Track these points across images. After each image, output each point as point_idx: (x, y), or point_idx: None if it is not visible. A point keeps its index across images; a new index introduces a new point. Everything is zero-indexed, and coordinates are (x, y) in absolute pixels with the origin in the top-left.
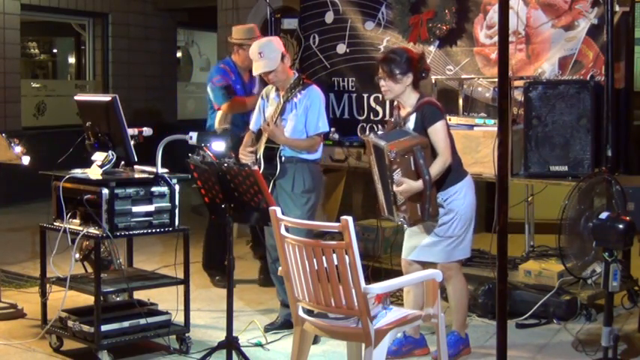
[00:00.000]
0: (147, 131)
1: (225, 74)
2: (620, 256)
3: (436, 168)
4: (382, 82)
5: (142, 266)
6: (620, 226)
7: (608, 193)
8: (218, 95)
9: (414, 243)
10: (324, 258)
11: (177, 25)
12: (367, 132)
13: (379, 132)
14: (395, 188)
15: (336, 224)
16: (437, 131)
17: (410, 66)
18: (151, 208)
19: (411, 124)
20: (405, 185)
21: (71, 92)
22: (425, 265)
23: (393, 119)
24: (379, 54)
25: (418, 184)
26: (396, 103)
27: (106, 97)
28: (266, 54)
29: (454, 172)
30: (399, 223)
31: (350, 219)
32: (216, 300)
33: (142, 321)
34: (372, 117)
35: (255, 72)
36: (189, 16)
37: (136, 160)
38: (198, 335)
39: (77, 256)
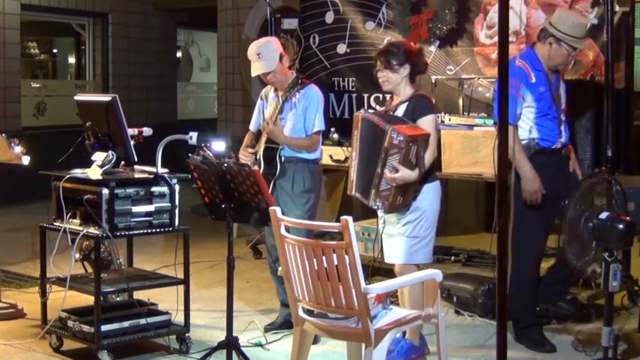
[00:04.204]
0: (147, 131)
1: (520, 76)
2: (620, 256)
3: (426, 160)
4: (380, 74)
5: (142, 266)
6: (620, 226)
7: (608, 193)
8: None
9: (387, 245)
10: (324, 258)
11: (177, 25)
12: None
13: (370, 110)
14: (389, 174)
15: (336, 224)
16: (427, 124)
17: (407, 58)
18: (151, 208)
19: (400, 112)
20: (401, 173)
21: (71, 92)
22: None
23: (383, 107)
24: (374, 48)
25: (414, 175)
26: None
27: (106, 97)
28: (264, 55)
29: (428, 172)
30: (373, 207)
31: (350, 219)
32: (216, 300)
33: (142, 321)
34: None
35: (254, 73)
36: (189, 16)
37: (136, 160)
38: (198, 335)
39: (77, 256)
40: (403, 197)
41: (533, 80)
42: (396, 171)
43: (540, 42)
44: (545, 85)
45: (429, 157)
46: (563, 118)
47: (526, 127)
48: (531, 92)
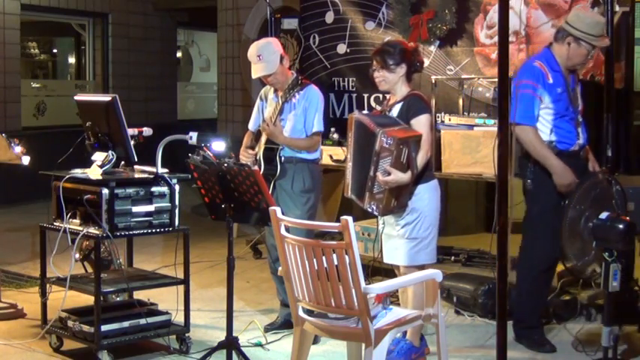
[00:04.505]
0: (147, 131)
1: (537, 77)
2: None
3: (420, 161)
4: (376, 74)
5: (142, 266)
6: (620, 226)
7: (608, 193)
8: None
9: (387, 246)
10: (324, 258)
11: (177, 25)
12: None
13: (365, 112)
14: (380, 177)
15: (336, 224)
16: (421, 124)
17: (403, 57)
18: (151, 208)
19: (394, 112)
20: (394, 176)
21: (71, 92)
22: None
23: (381, 107)
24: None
25: (406, 177)
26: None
27: (106, 97)
28: (265, 57)
29: (423, 171)
30: (368, 209)
31: (350, 219)
32: (216, 300)
33: (142, 321)
34: None
35: (254, 75)
36: (189, 16)
37: (136, 160)
38: (198, 335)
39: (77, 256)
40: (397, 200)
41: (551, 81)
42: (388, 174)
43: (558, 42)
44: (562, 85)
45: (421, 157)
46: (580, 119)
47: (546, 129)
48: (549, 93)
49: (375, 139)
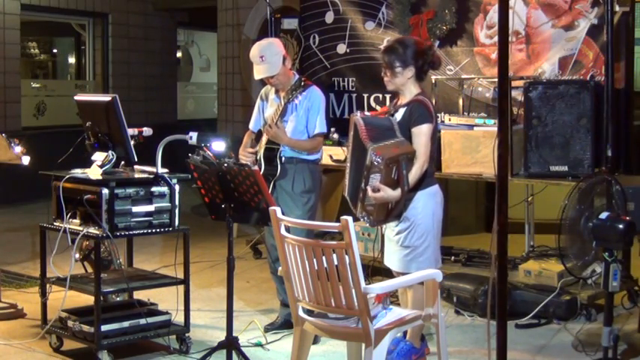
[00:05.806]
0: (147, 131)
1: None
2: (620, 256)
3: (413, 175)
4: (383, 74)
5: (142, 266)
6: (620, 226)
7: (608, 193)
8: None
9: (386, 249)
10: (324, 258)
11: (178, 25)
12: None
13: (367, 113)
14: (370, 193)
15: (336, 224)
16: (421, 133)
17: (413, 58)
18: (151, 208)
19: (399, 116)
20: (383, 193)
21: (71, 92)
22: None
23: (388, 106)
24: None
25: (395, 195)
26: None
27: (106, 97)
28: (267, 58)
29: (420, 180)
30: (360, 219)
31: (350, 219)
32: (216, 300)
33: (142, 321)
34: None
35: (257, 76)
36: (189, 16)
37: (136, 160)
38: (198, 335)
39: (77, 256)
40: (389, 212)
41: None
42: (378, 190)
43: None
44: None
45: (415, 172)
46: None
47: None
48: None
49: (366, 153)
